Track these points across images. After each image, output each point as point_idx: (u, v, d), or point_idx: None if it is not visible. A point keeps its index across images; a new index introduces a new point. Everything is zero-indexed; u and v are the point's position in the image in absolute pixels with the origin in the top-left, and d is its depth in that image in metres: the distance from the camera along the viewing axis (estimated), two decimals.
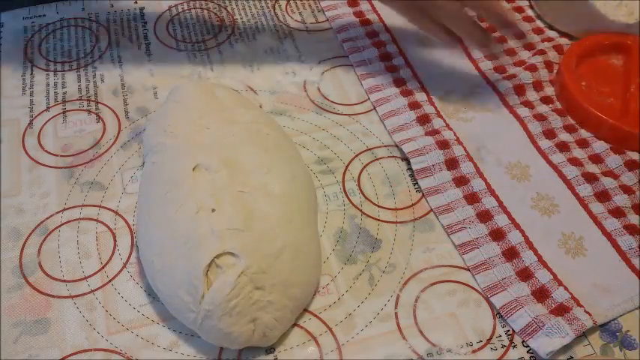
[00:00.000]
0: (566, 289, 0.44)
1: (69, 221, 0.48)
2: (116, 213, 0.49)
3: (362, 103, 0.58)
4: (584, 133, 0.55)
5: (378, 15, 0.66)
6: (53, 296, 0.44)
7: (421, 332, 0.43)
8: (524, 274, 0.45)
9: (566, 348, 0.42)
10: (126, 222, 0.48)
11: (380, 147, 0.54)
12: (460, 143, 0.53)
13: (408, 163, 0.53)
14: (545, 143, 0.53)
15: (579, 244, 0.47)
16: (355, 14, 0.65)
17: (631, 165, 0.52)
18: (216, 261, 0.39)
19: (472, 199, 0.50)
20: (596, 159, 0.53)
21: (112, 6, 0.66)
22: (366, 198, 0.50)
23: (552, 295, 0.44)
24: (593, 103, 0.55)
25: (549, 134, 0.54)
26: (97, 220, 0.48)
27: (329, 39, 0.64)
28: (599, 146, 0.54)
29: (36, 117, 0.55)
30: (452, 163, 0.51)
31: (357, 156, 0.53)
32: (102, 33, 0.63)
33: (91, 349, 0.41)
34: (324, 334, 0.43)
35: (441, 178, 0.51)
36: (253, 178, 0.44)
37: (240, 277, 0.39)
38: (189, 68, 0.60)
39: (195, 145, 0.46)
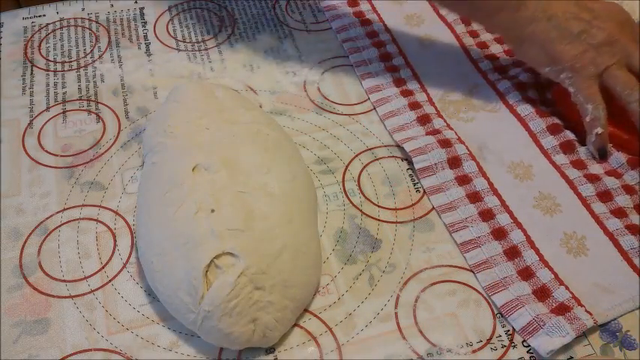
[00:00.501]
0: (567, 288, 0.44)
1: (69, 221, 0.48)
2: (116, 213, 0.49)
3: (362, 103, 0.58)
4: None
5: (378, 15, 0.66)
6: (53, 296, 0.44)
7: (421, 332, 0.43)
8: (526, 274, 0.45)
9: (566, 348, 0.42)
10: (126, 222, 0.48)
11: (380, 147, 0.54)
12: (462, 142, 0.53)
13: (409, 163, 0.53)
14: (547, 142, 0.53)
15: (581, 243, 0.47)
16: (355, 14, 0.65)
17: (634, 163, 0.52)
18: (215, 261, 0.39)
19: (474, 197, 0.50)
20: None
21: (112, 6, 0.66)
22: (366, 198, 0.50)
23: (553, 294, 0.44)
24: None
25: (552, 131, 0.54)
26: (97, 220, 0.48)
27: (329, 39, 0.64)
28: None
29: (36, 117, 0.55)
30: (454, 162, 0.51)
31: (357, 156, 0.53)
32: (102, 33, 0.63)
33: (91, 349, 0.41)
34: (324, 334, 0.43)
35: (444, 177, 0.51)
36: (253, 179, 0.44)
37: (240, 277, 0.39)
38: (189, 68, 0.60)
39: (195, 146, 0.46)
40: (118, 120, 0.55)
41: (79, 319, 0.43)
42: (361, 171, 0.52)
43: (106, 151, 0.53)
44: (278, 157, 0.47)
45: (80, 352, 0.41)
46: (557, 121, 0.55)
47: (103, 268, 0.46)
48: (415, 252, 0.47)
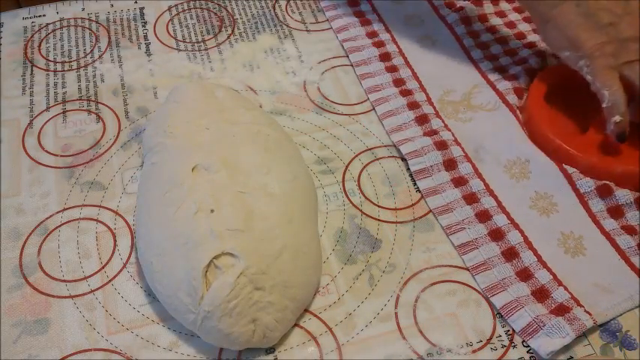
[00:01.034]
0: (566, 289, 0.44)
1: (69, 221, 0.48)
2: (116, 213, 0.49)
3: (362, 103, 0.58)
4: None
5: (378, 15, 0.66)
6: (53, 296, 0.44)
7: (421, 332, 0.43)
8: (524, 274, 0.45)
9: (566, 348, 0.42)
10: (126, 222, 0.48)
11: (380, 147, 0.54)
12: (458, 144, 0.53)
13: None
14: None
15: (578, 243, 0.47)
16: (355, 14, 0.65)
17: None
18: (215, 262, 0.39)
19: (471, 199, 0.50)
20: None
21: (112, 6, 0.66)
22: (366, 198, 0.50)
23: (552, 295, 0.44)
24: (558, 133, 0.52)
25: None
26: (97, 220, 0.48)
27: (329, 39, 0.64)
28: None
29: (36, 117, 0.55)
30: (450, 164, 0.51)
31: (357, 156, 0.53)
32: (102, 33, 0.63)
33: (91, 349, 0.41)
34: (324, 334, 0.43)
35: (440, 179, 0.51)
36: (253, 179, 0.44)
37: (240, 277, 0.39)
38: (189, 68, 0.60)
39: (194, 146, 0.46)
40: (118, 120, 0.55)
41: (79, 319, 0.43)
42: (361, 171, 0.52)
43: (106, 151, 0.53)
44: (278, 157, 0.47)
45: (80, 352, 0.41)
46: None
47: (103, 268, 0.46)
48: (415, 252, 0.47)
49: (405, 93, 0.57)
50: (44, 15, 0.65)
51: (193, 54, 0.62)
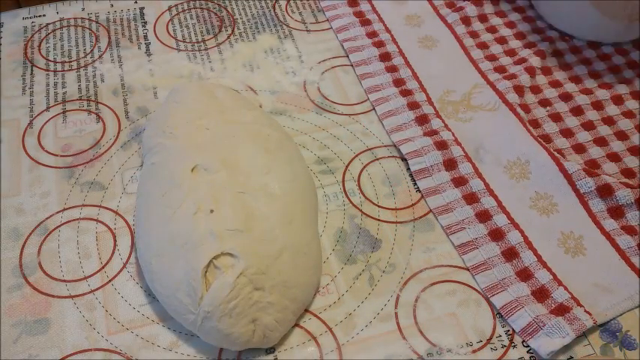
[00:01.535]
0: (566, 289, 0.44)
1: (69, 221, 0.48)
2: (116, 213, 0.49)
3: (362, 103, 0.58)
4: (582, 136, 0.55)
5: (378, 15, 0.66)
6: (53, 296, 0.44)
7: (421, 332, 0.43)
8: (524, 274, 0.45)
9: (566, 348, 0.42)
10: (126, 222, 0.48)
11: (380, 147, 0.54)
12: (458, 144, 0.53)
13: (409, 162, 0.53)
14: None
15: (579, 243, 0.47)
16: (355, 14, 0.65)
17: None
18: (214, 262, 0.39)
19: (471, 199, 0.50)
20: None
21: (112, 6, 0.66)
22: (366, 198, 0.50)
23: (552, 295, 0.44)
24: None
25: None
26: (97, 220, 0.48)
27: (329, 39, 0.64)
28: (597, 152, 0.54)
29: (36, 117, 0.55)
30: (450, 164, 0.51)
31: (357, 156, 0.53)
32: (102, 33, 0.63)
33: (91, 349, 0.41)
34: (324, 334, 0.43)
35: (440, 179, 0.51)
36: (253, 179, 0.44)
37: (240, 277, 0.39)
38: (189, 68, 0.60)
39: (194, 146, 0.46)
40: (118, 120, 0.55)
41: (79, 319, 0.43)
42: (361, 171, 0.52)
43: (106, 151, 0.53)
44: (279, 157, 0.47)
45: (80, 352, 0.41)
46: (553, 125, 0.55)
47: (103, 268, 0.46)
48: (415, 252, 0.47)
49: (405, 93, 0.57)
50: (44, 15, 0.65)
51: (193, 54, 0.62)
